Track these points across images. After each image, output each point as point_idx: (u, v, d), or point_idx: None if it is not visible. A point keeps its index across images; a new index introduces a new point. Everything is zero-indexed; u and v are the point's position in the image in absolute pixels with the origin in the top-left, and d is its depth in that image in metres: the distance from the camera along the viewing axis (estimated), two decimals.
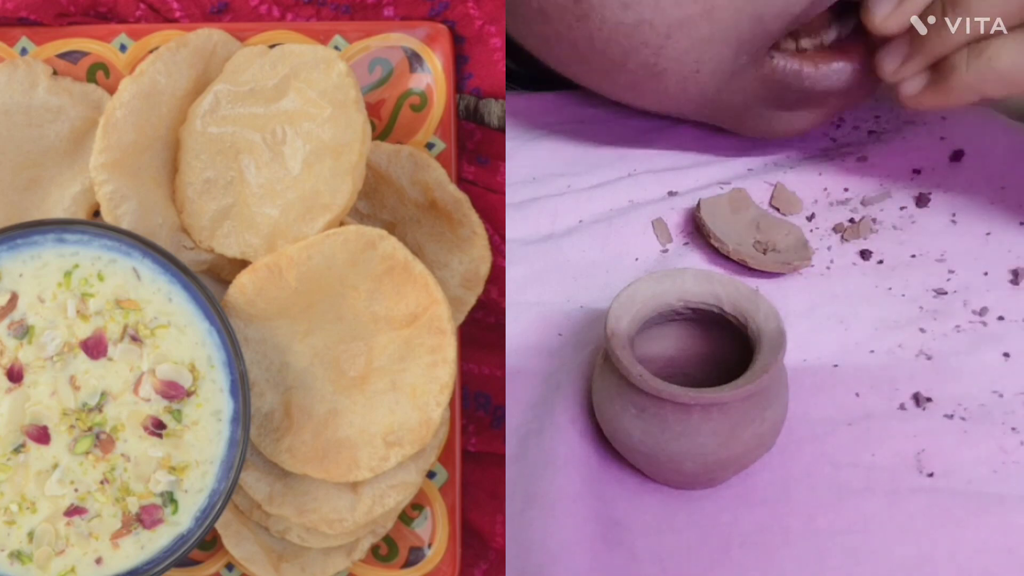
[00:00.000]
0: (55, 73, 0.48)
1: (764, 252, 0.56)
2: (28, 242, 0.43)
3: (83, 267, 0.44)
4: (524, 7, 0.57)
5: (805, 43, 0.55)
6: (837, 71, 0.55)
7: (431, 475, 0.49)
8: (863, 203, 0.59)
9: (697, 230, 0.58)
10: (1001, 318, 0.52)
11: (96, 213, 0.47)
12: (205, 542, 0.47)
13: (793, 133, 0.61)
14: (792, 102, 0.57)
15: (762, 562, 0.43)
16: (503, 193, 0.51)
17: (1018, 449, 0.46)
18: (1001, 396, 0.48)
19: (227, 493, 0.44)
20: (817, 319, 0.53)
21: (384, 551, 0.48)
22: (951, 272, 0.54)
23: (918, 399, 0.48)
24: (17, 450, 0.43)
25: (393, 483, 0.47)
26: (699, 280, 0.46)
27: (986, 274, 0.54)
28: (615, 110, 0.65)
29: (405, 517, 0.49)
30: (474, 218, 0.49)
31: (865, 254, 0.56)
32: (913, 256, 0.56)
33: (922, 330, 0.52)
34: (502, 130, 0.50)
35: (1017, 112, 0.67)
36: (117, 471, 0.44)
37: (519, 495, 0.46)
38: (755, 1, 0.52)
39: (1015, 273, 0.54)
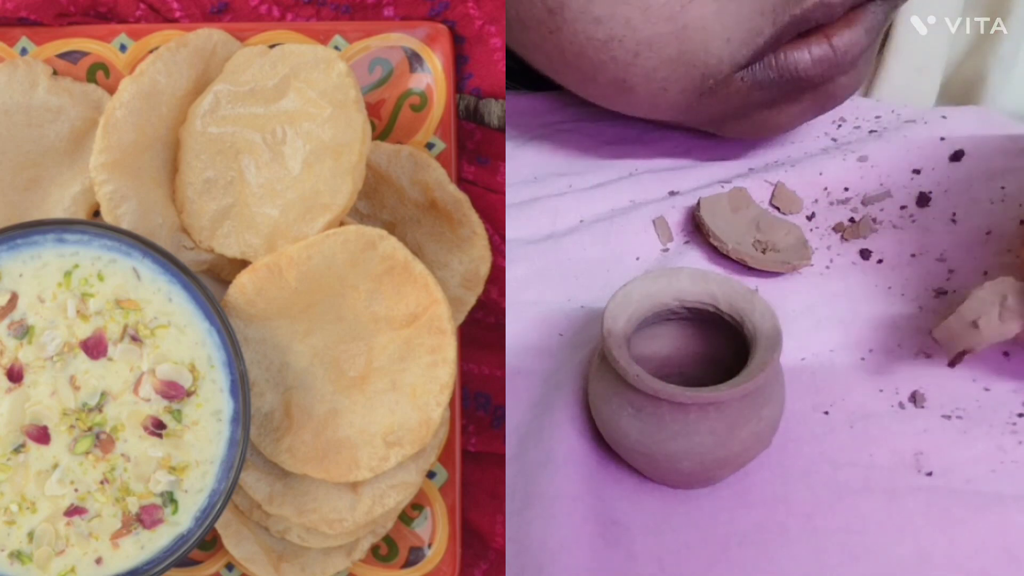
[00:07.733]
0: (55, 73, 0.48)
1: (764, 251, 0.56)
2: (28, 242, 0.44)
3: (83, 267, 0.44)
4: (506, 13, 0.57)
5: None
6: (819, 53, 0.53)
7: (431, 475, 0.49)
8: (863, 202, 0.59)
9: (697, 229, 0.58)
10: None
11: (96, 213, 0.47)
12: (205, 542, 0.47)
13: (778, 131, 0.60)
14: (774, 98, 0.55)
15: (760, 561, 0.43)
16: (503, 193, 0.51)
17: (1016, 448, 0.46)
18: (1000, 395, 0.48)
19: (227, 493, 0.44)
20: (816, 318, 0.53)
21: (384, 551, 0.49)
22: (951, 272, 0.54)
23: (917, 398, 0.48)
24: (17, 450, 0.43)
25: (393, 483, 0.47)
26: (695, 279, 0.46)
27: (986, 273, 0.54)
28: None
29: (405, 517, 0.49)
30: (474, 218, 0.49)
31: (865, 253, 0.56)
32: (913, 256, 0.55)
33: (922, 330, 0.52)
34: (502, 130, 0.50)
35: (1017, 112, 0.66)
36: (117, 471, 0.44)
37: (518, 495, 0.46)
38: (724, 23, 0.51)
39: None
